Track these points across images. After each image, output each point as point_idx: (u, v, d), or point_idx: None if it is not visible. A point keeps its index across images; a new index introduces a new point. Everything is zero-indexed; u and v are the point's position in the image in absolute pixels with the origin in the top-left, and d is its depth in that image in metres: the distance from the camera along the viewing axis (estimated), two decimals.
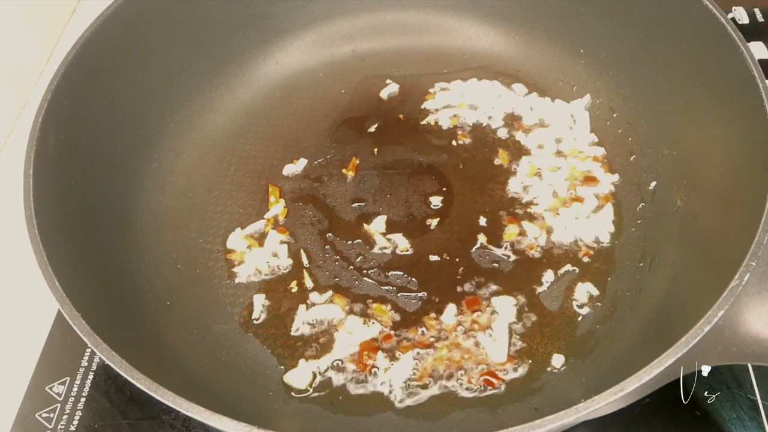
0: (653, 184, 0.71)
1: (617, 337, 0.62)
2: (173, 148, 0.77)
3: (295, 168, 0.78)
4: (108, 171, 0.69)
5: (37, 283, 0.53)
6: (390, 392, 0.61)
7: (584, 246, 0.70)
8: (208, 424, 0.47)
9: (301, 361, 0.63)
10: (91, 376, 0.68)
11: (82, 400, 0.67)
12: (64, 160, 0.63)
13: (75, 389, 0.67)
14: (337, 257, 0.70)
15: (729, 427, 0.62)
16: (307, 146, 0.80)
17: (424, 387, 0.61)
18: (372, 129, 0.81)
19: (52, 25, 0.97)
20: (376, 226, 0.72)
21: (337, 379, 0.62)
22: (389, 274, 0.69)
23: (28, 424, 0.65)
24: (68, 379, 0.68)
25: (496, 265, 0.69)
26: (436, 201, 0.74)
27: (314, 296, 0.68)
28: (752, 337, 0.53)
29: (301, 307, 0.67)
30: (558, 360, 0.62)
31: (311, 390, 0.62)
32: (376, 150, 0.79)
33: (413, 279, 0.68)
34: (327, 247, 0.71)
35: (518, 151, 0.78)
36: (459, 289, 0.67)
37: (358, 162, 0.78)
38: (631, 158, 0.75)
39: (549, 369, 0.62)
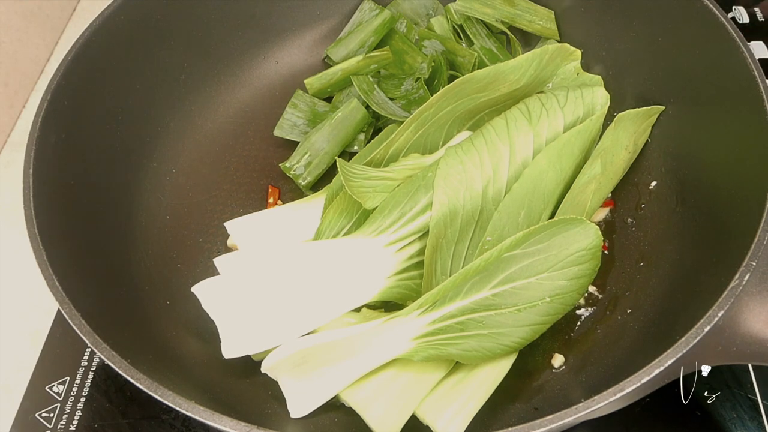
0: (653, 184, 0.71)
1: (617, 337, 0.62)
2: (173, 147, 0.77)
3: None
4: (108, 171, 0.69)
5: (37, 283, 0.53)
6: None
7: None
8: (208, 424, 0.47)
9: None
10: (91, 376, 0.68)
11: (82, 399, 0.67)
12: (64, 160, 0.63)
13: (75, 389, 0.68)
14: None
15: (729, 426, 0.62)
16: None
17: None
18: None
19: (52, 25, 0.97)
20: None
21: None
22: None
23: (28, 424, 0.65)
24: (68, 378, 0.68)
25: None
26: None
27: None
28: (752, 337, 0.53)
29: None
30: (558, 360, 0.62)
31: None
32: None
33: None
34: None
35: None
36: None
37: None
38: None
39: (549, 369, 0.62)
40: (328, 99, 0.81)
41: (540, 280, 0.57)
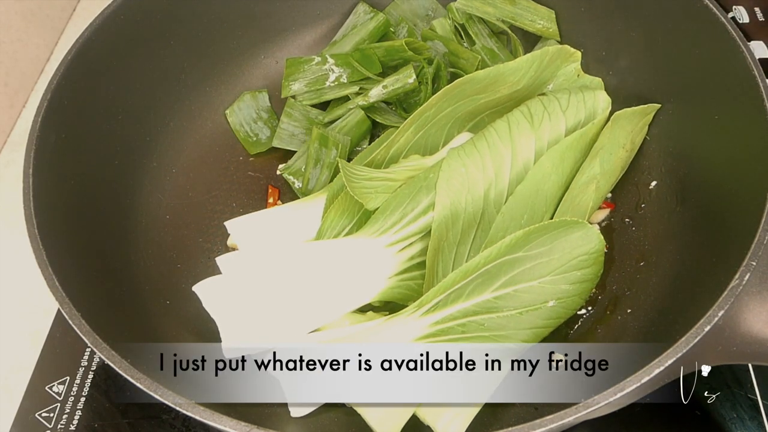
0: (653, 184, 0.71)
1: (617, 337, 0.62)
2: (173, 147, 0.77)
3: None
4: (108, 171, 0.69)
5: (37, 283, 0.53)
6: None
7: None
8: (208, 424, 0.47)
9: None
10: (91, 376, 0.68)
11: (82, 399, 0.67)
12: (64, 159, 0.63)
13: (75, 389, 0.68)
14: None
15: (729, 426, 0.62)
16: None
17: None
18: None
19: (52, 25, 0.97)
20: None
21: None
22: None
23: (27, 424, 0.65)
24: (68, 378, 0.68)
25: None
26: None
27: None
28: (752, 337, 0.53)
29: None
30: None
31: None
32: None
33: None
34: None
35: None
36: None
37: None
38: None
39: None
40: (321, 106, 0.80)
41: (542, 283, 0.57)
